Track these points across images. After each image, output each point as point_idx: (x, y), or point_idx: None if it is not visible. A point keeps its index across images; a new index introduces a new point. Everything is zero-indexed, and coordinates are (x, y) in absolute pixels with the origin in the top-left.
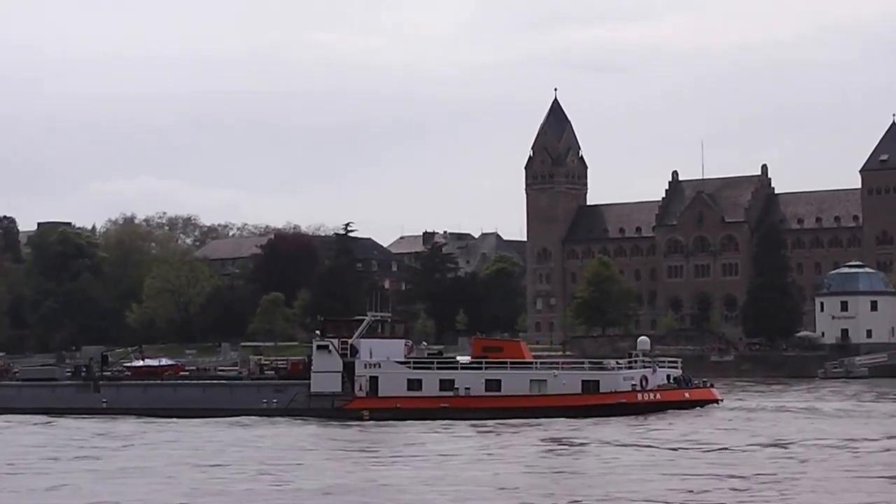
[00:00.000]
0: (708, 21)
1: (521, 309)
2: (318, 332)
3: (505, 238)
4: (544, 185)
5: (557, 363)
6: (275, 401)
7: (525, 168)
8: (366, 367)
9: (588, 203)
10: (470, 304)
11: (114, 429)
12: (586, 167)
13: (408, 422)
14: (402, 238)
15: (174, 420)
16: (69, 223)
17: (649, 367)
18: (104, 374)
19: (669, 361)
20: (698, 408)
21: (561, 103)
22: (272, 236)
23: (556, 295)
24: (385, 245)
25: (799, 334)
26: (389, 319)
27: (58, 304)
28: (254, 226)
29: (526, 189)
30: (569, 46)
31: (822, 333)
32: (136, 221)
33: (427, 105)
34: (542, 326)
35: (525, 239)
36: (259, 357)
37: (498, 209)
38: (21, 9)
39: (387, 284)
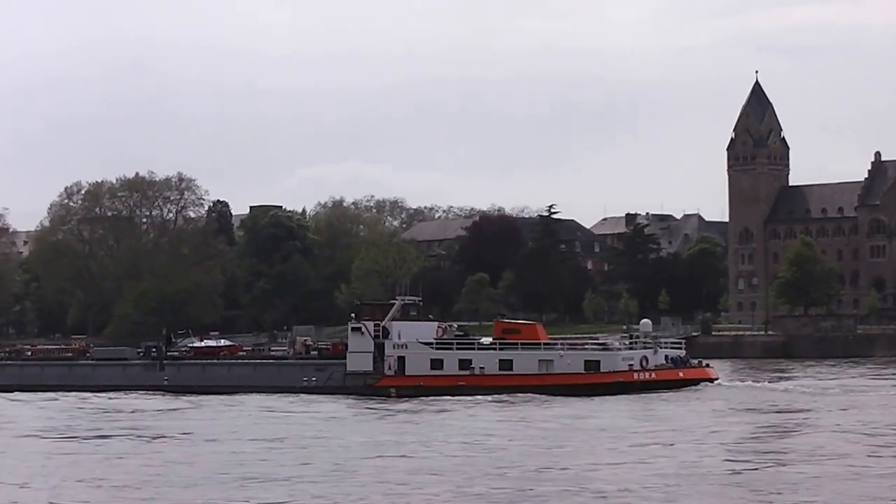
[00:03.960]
0: None
1: (724, 289)
2: (353, 315)
3: (707, 219)
4: (746, 167)
5: (563, 344)
6: (314, 379)
7: (727, 150)
8: (394, 347)
9: (790, 184)
10: (672, 284)
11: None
12: (788, 148)
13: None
14: (604, 219)
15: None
16: (280, 206)
17: (650, 347)
18: (170, 354)
19: (672, 343)
20: (692, 386)
21: (762, 85)
22: (477, 218)
23: (759, 275)
24: (588, 226)
25: None
26: (421, 303)
27: (269, 285)
28: (459, 208)
29: (728, 170)
30: (767, 28)
31: None
32: (345, 205)
33: (628, 88)
34: (744, 306)
35: (727, 220)
36: (305, 339)
37: (700, 190)
38: (236, 14)
39: (590, 265)
